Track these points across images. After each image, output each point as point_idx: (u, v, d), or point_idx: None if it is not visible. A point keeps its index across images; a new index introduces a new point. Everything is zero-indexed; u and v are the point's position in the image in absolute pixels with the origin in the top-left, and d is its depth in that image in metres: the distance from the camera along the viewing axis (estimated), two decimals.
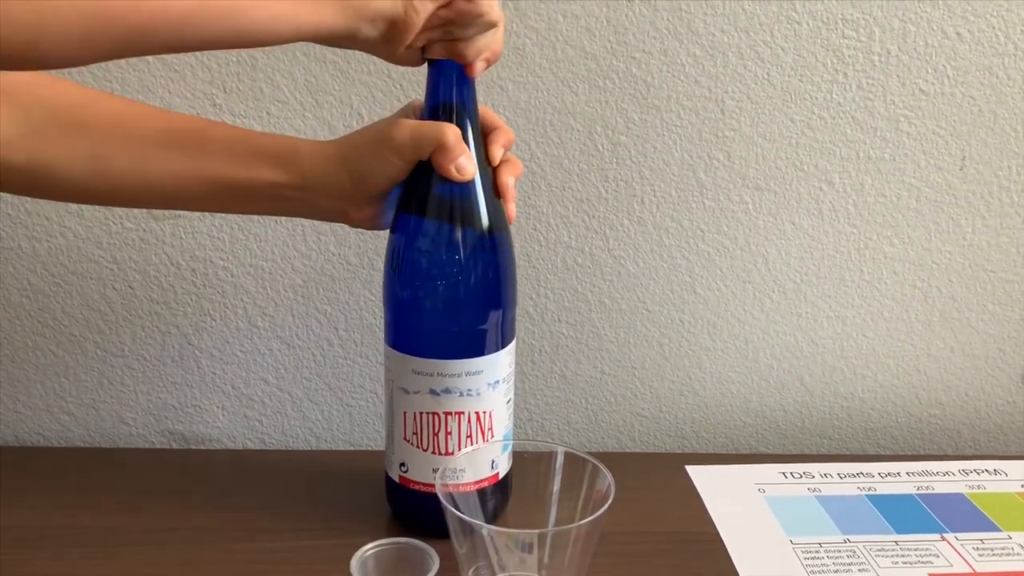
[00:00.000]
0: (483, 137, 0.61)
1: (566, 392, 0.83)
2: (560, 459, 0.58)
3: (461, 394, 0.61)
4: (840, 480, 0.74)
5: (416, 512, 0.65)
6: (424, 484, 0.63)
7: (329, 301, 0.79)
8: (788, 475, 0.75)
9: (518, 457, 0.61)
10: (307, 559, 0.62)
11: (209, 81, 0.74)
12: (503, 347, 0.62)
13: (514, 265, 0.63)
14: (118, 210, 0.77)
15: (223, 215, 0.77)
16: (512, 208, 0.62)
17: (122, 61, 0.73)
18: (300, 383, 0.82)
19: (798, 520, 0.68)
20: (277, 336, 0.80)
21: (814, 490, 0.73)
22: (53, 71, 0.61)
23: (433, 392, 0.61)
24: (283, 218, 0.77)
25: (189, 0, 0.44)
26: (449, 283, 0.60)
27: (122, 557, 0.62)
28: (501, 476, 0.63)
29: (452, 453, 0.62)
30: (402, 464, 0.64)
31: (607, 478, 0.55)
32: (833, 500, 0.71)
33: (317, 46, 0.73)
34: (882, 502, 0.71)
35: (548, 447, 0.59)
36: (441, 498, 0.54)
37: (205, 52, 0.73)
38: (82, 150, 0.58)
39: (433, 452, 0.62)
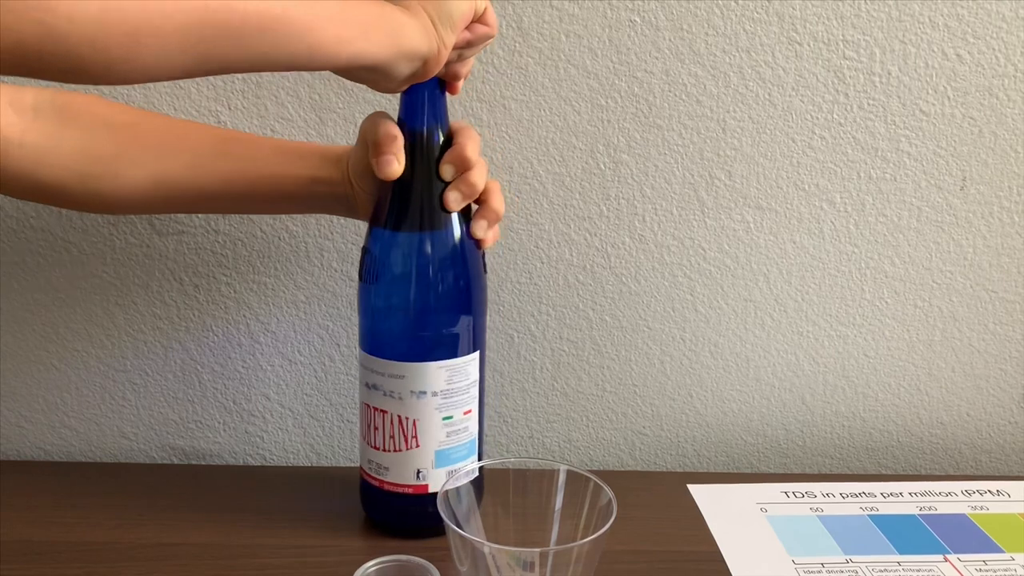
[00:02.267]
0: (440, 151, 0.63)
1: (567, 409, 0.83)
2: (562, 477, 0.58)
3: (384, 393, 0.64)
4: (842, 500, 0.74)
5: (362, 495, 0.69)
6: (364, 472, 0.67)
7: (331, 317, 0.80)
8: (790, 494, 0.75)
9: (520, 475, 0.61)
10: None
11: (214, 99, 0.75)
12: (436, 360, 0.63)
13: (469, 281, 0.64)
14: (122, 225, 0.77)
15: (225, 232, 0.77)
16: (478, 226, 0.63)
17: None
18: (301, 399, 0.82)
19: (800, 540, 0.68)
20: (279, 352, 0.80)
21: (816, 509, 0.73)
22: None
23: (366, 385, 0.64)
24: (285, 235, 0.77)
25: (274, 11, 0.45)
26: (380, 284, 0.63)
27: (122, 572, 0.62)
28: (431, 489, 0.64)
29: (378, 447, 0.65)
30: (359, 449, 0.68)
31: (609, 496, 0.55)
32: (835, 520, 0.71)
33: None
34: (884, 522, 0.71)
35: (550, 465, 0.59)
36: (442, 514, 0.54)
37: None
38: (142, 166, 0.62)
39: (365, 441, 0.66)
